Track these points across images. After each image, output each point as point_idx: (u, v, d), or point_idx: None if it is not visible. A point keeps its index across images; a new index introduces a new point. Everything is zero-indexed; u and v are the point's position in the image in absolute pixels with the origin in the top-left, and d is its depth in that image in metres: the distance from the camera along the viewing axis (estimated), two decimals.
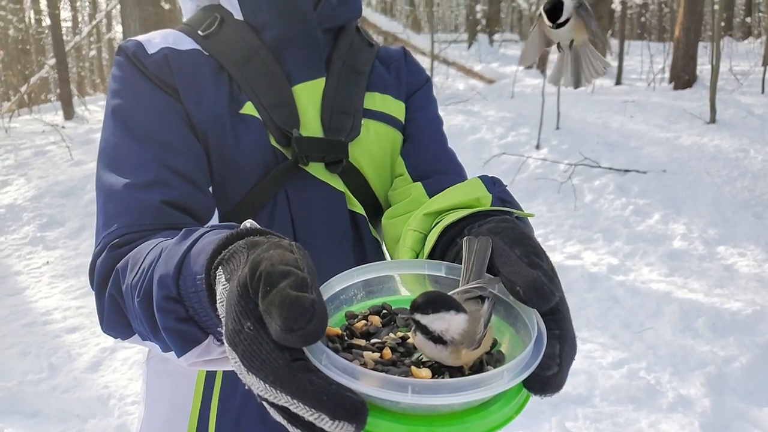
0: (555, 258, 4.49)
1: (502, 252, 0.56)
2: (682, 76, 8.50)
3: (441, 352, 0.48)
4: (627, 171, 5.71)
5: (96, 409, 3.02)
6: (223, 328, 0.48)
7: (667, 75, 9.15)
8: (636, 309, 3.78)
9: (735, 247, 4.54)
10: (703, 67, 8.77)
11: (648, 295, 3.92)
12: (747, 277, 4.14)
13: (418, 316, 0.50)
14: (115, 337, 0.77)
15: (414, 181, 0.95)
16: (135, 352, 3.45)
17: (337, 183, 0.94)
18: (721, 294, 3.93)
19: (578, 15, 1.11)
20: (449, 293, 0.53)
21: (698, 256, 4.45)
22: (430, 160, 0.98)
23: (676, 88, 8.53)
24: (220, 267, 0.53)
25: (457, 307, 0.49)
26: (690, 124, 6.73)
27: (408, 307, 0.59)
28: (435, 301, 0.49)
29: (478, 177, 0.79)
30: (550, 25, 1.11)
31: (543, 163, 5.97)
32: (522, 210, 0.74)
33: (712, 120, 6.69)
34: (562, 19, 1.10)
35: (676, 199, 5.25)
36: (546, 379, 0.49)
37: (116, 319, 0.74)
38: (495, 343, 0.55)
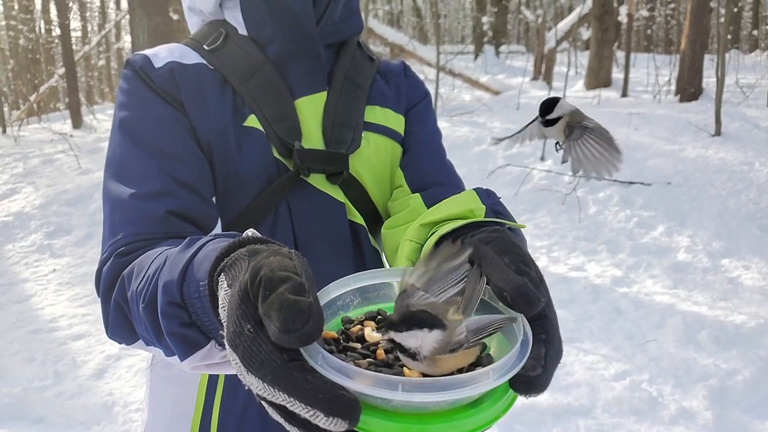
0: (559, 269, 4.50)
1: (491, 260, 0.58)
2: (688, 89, 8.51)
3: (418, 366, 0.50)
4: (631, 183, 5.71)
5: (100, 416, 3.04)
6: (225, 330, 0.50)
7: (673, 87, 9.16)
8: (639, 321, 3.78)
9: (739, 260, 4.54)
10: (710, 80, 8.77)
11: (651, 307, 3.92)
12: (751, 290, 4.13)
13: (392, 334, 0.51)
14: (120, 343, 0.79)
15: (413, 193, 0.98)
16: (139, 359, 3.47)
17: (337, 194, 0.96)
18: (724, 307, 3.92)
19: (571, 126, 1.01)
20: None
21: (702, 268, 4.45)
22: (429, 172, 1.01)
23: (681, 100, 8.54)
24: (222, 274, 0.55)
25: (431, 324, 0.50)
26: (695, 137, 6.74)
27: None
28: (409, 319, 0.50)
29: (473, 189, 0.82)
30: (540, 119, 1.04)
31: (547, 174, 5.99)
32: (515, 221, 0.76)
33: (717, 133, 6.70)
34: (552, 116, 1.03)
35: (681, 212, 5.25)
36: (531, 379, 0.51)
37: (121, 325, 0.76)
38: (484, 347, 0.57)
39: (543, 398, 2.95)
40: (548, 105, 1.03)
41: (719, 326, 3.62)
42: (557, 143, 1.07)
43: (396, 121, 1.04)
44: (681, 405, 2.93)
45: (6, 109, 11.81)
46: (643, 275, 4.41)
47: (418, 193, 0.96)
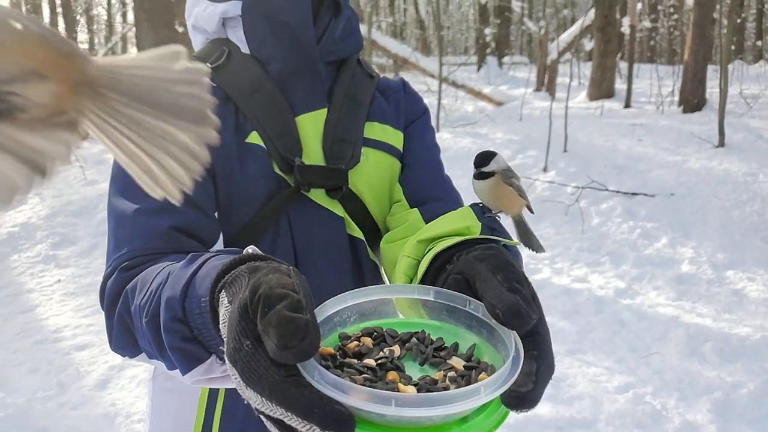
0: (561, 281, 4.49)
1: (485, 278, 0.59)
2: (691, 100, 8.53)
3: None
4: (635, 194, 5.72)
5: (103, 427, 3.05)
6: (225, 346, 0.52)
7: (676, 98, 9.18)
8: (643, 333, 3.77)
9: (744, 272, 4.52)
10: (713, 91, 8.78)
11: (655, 319, 3.91)
12: (756, 302, 4.11)
13: None
14: (123, 356, 0.80)
15: (411, 207, 0.99)
16: (142, 370, 3.48)
17: (337, 208, 0.98)
18: (729, 319, 3.91)
19: (504, 184, 0.96)
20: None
21: (706, 280, 4.44)
22: (427, 187, 1.02)
23: (685, 111, 8.55)
24: (223, 290, 0.57)
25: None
26: (698, 148, 6.74)
27: (399, 331, 0.62)
28: None
29: (469, 206, 0.83)
30: (474, 170, 0.99)
31: (550, 185, 5.99)
32: (510, 238, 0.78)
33: (721, 144, 6.70)
34: (486, 169, 0.97)
35: (684, 223, 5.24)
36: (521, 395, 0.52)
37: (124, 338, 0.77)
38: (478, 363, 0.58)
39: (545, 411, 2.94)
40: (483, 157, 0.99)
41: (724, 339, 3.61)
42: (486, 206, 0.99)
43: (395, 137, 1.05)
44: (685, 418, 2.92)
45: None
46: (647, 287, 4.40)
47: (416, 208, 0.98)
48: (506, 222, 1.01)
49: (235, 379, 0.50)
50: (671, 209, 5.46)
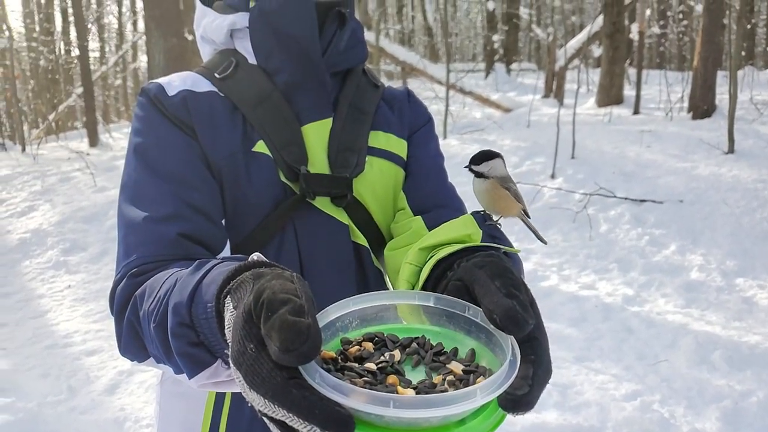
0: (569, 288, 4.48)
1: (483, 284, 0.61)
2: (701, 106, 8.49)
3: None
4: (643, 201, 5.70)
5: (112, 431, 3.07)
6: (230, 350, 0.53)
7: (685, 104, 9.14)
8: (651, 340, 3.75)
9: (754, 279, 4.49)
10: (723, 97, 8.72)
11: (663, 327, 3.89)
12: (766, 309, 4.09)
13: None
14: (132, 360, 0.82)
15: (414, 215, 1.01)
16: (151, 375, 3.51)
17: (341, 216, 0.99)
18: (738, 327, 3.88)
19: (501, 187, 0.96)
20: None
21: (716, 287, 4.41)
22: (430, 195, 1.04)
23: (694, 117, 8.51)
24: (228, 296, 0.59)
25: None
26: (708, 154, 6.71)
27: (400, 336, 0.64)
28: None
29: (471, 213, 0.85)
30: (471, 165, 0.98)
31: (558, 192, 5.99)
32: (511, 245, 0.79)
33: (731, 150, 6.67)
34: (476, 168, 0.97)
35: (694, 230, 5.22)
36: (517, 397, 0.54)
37: (133, 343, 0.79)
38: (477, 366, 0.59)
39: (552, 418, 2.93)
40: (482, 156, 0.98)
41: (733, 346, 3.59)
42: (487, 213, 0.98)
43: (398, 146, 1.07)
44: (693, 427, 2.90)
45: (26, 127, 12.06)
46: (655, 294, 4.38)
47: (419, 216, 0.99)
48: (511, 225, 1.02)
49: (239, 381, 0.51)
50: (680, 216, 5.44)
